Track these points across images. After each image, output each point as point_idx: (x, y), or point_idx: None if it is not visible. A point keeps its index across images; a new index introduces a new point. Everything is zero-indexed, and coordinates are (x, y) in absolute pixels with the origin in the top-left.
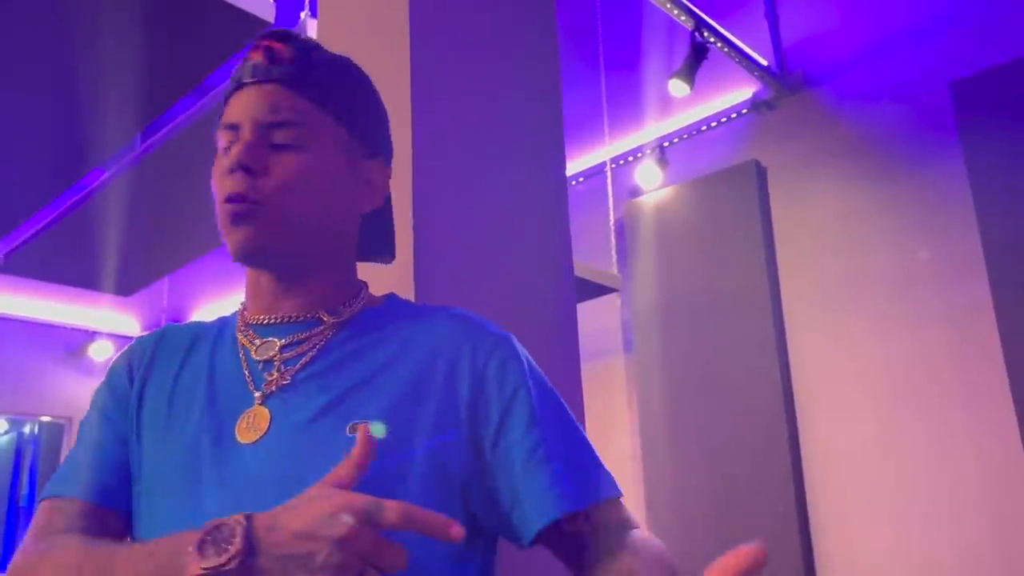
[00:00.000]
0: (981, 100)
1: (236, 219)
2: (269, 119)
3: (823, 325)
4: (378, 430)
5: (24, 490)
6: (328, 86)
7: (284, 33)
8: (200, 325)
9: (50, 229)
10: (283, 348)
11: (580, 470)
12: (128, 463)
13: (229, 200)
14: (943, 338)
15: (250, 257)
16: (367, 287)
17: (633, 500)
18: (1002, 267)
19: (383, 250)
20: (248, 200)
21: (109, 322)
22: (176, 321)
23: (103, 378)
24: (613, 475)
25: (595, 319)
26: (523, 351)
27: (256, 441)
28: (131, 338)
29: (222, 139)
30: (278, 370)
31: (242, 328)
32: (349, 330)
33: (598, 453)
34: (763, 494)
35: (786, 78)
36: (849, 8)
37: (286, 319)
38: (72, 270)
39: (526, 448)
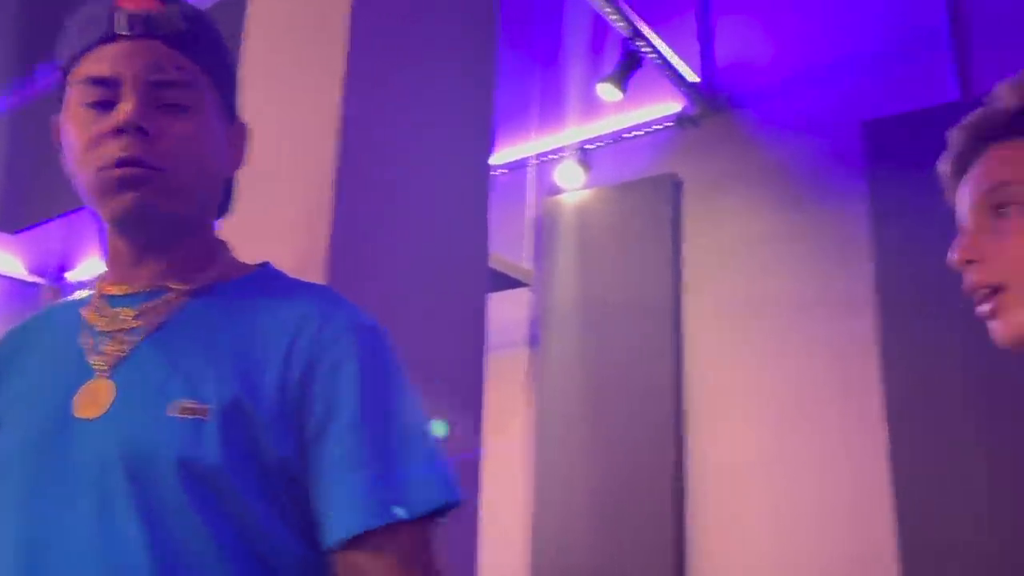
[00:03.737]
0: (891, 143)
1: (126, 184)
2: (156, 77)
3: (719, 342)
4: (209, 416)
5: None
6: (207, 47)
7: None
8: (67, 304)
9: None
10: (128, 319)
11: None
12: None
13: (120, 164)
14: (828, 367)
15: (136, 223)
16: (228, 251)
17: (522, 494)
18: (891, 307)
19: (223, 207)
20: (144, 165)
21: None
22: (62, 266)
23: None
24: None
25: (504, 311)
26: (380, 345)
27: (97, 417)
28: (14, 279)
29: (88, 93)
30: (119, 342)
31: (94, 301)
32: (202, 300)
33: (432, 465)
34: (644, 498)
35: (712, 98)
36: (780, 37)
37: (138, 290)
38: None
39: (337, 452)
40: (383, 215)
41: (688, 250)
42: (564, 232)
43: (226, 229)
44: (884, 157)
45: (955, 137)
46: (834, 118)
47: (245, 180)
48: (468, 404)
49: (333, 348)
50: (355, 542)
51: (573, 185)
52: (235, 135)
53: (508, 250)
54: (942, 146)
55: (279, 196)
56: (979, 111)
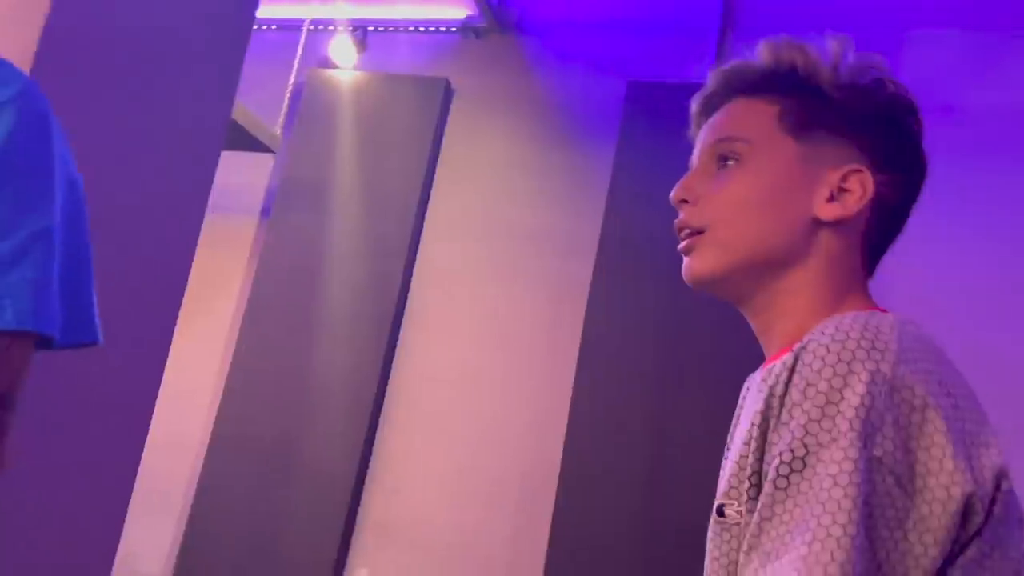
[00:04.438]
0: (647, 107)
1: None
2: None
3: (453, 252)
4: None
5: None
6: None
7: None
8: None
9: None
10: None
11: None
12: None
13: None
14: (543, 299)
15: None
16: None
17: (219, 364)
18: (607, 257)
19: None
20: None
21: None
22: None
23: None
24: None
25: (243, 174)
26: (34, 135)
27: None
28: None
29: None
30: None
31: None
32: None
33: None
34: (345, 390)
35: (501, 15)
36: None
37: None
38: None
39: None
40: (107, 27)
41: (445, 158)
42: (324, 108)
43: None
44: (638, 118)
45: (711, 79)
46: (606, 69)
47: None
48: (177, 252)
49: None
50: None
51: (345, 63)
52: None
53: (262, 111)
54: (687, 119)
55: None
56: (738, 61)
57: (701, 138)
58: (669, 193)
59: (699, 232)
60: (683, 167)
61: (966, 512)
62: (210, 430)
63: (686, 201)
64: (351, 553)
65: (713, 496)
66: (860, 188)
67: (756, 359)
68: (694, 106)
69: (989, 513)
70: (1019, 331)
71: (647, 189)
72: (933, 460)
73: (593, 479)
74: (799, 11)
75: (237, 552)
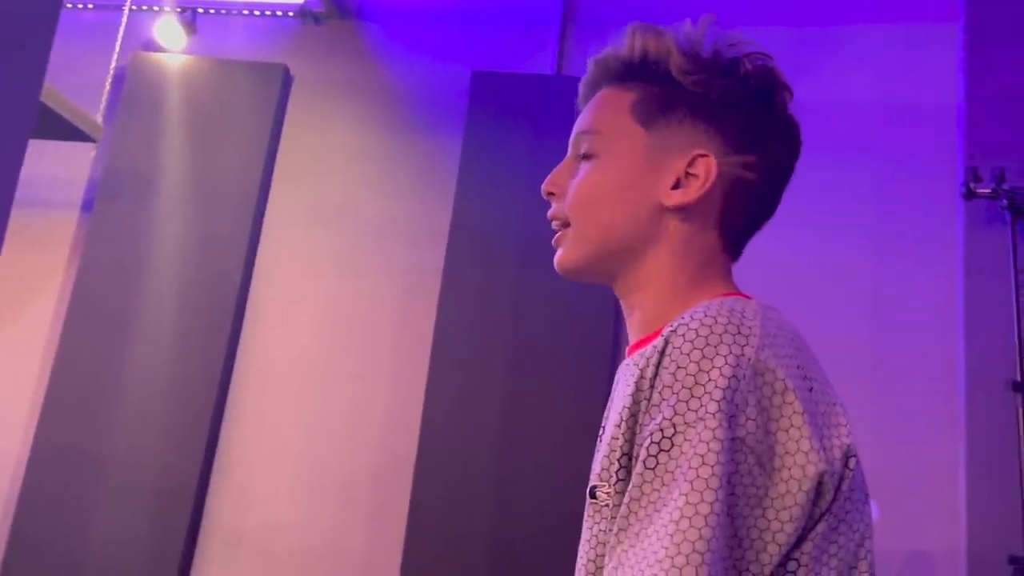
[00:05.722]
0: (492, 96)
1: None
2: None
3: (297, 243)
4: None
5: None
6: None
7: None
8: None
9: None
10: None
11: None
12: None
13: None
14: (393, 289)
15: None
16: None
17: (39, 371)
18: (459, 245)
19: None
20: None
21: None
22: None
23: None
24: None
25: (61, 164)
26: None
27: None
28: None
29: None
30: None
31: None
32: None
33: None
34: (185, 387)
35: (340, 0)
36: None
37: None
38: None
39: None
40: None
41: (286, 147)
42: (151, 94)
43: None
44: (483, 107)
45: (589, 67)
46: (450, 58)
47: None
48: None
49: None
50: None
51: (172, 47)
52: None
53: (80, 97)
54: (532, 110)
55: None
56: (608, 48)
57: (574, 129)
58: (516, 181)
59: (567, 225)
60: (529, 155)
61: (818, 490)
62: (31, 442)
63: (552, 194)
64: (196, 565)
65: (568, 484)
66: (704, 173)
67: (608, 347)
68: (581, 91)
69: (838, 490)
70: (831, 313)
71: (496, 177)
72: (791, 441)
73: (449, 472)
74: (639, 3)
75: (67, 573)
